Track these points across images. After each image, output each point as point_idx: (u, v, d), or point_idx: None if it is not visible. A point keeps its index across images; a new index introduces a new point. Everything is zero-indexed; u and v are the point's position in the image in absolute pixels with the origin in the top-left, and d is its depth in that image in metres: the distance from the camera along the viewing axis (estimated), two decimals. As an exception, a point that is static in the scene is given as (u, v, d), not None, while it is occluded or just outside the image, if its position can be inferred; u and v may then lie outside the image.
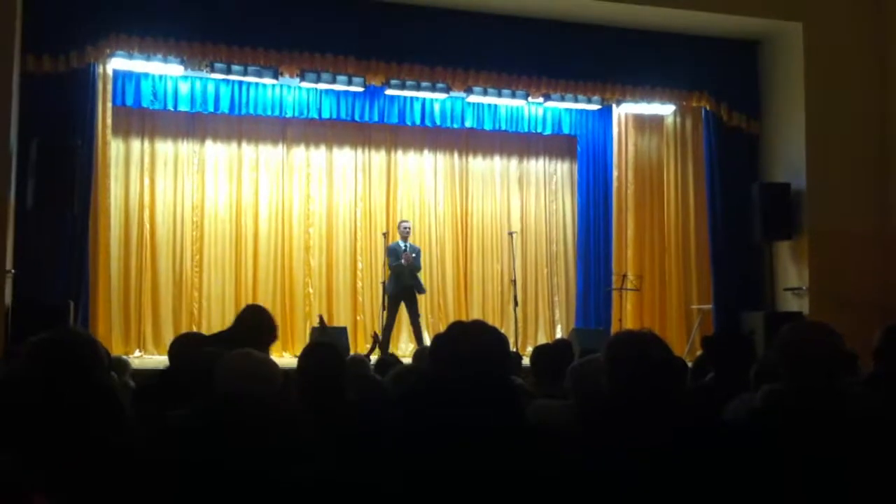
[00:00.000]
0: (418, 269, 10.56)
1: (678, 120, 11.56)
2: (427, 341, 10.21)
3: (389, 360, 5.74)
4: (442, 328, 8.42)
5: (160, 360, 9.47)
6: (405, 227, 10.63)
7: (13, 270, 8.28)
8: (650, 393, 2.69)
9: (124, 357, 7.84)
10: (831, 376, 3.01)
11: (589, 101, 11.12)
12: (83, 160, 8.81)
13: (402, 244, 10.51)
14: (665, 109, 11.42)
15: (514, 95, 10.78)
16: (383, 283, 10.41)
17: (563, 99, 10.97)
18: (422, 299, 10.95)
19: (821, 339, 3.04)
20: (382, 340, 10.25)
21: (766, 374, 3.64)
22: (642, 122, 11.75)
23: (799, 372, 3.01)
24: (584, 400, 3.35)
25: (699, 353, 5.87)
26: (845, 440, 2.71)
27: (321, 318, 8.06)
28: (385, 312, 10.34)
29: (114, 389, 3.13)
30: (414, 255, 10.49)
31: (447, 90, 10.52)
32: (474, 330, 2.91)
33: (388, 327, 10.40)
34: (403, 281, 10.34)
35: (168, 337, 9.85)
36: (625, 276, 11.12)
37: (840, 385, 3.03)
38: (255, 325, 4.67)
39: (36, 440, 2.46)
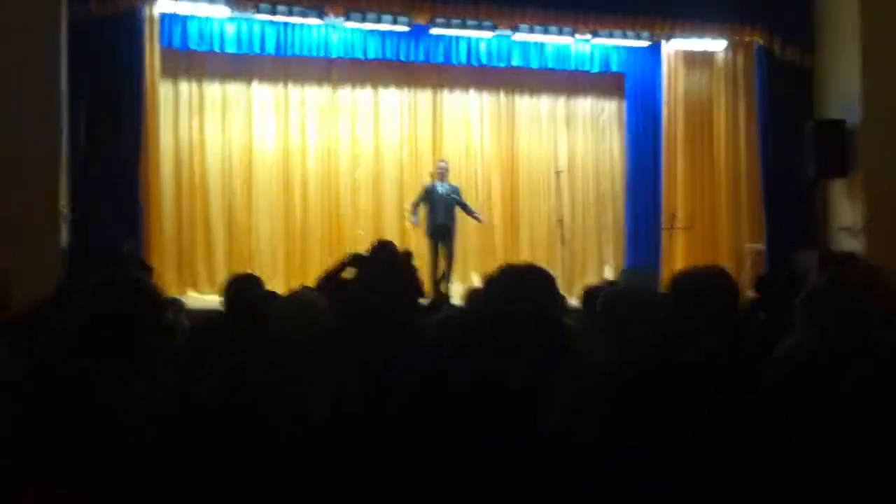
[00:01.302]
0: (457, 203, 10.51)
1: (729, 55, 11.36)
2: (459, 283, 10.51)
3: (440, 301, 5.77)
4: (490, 268, 8.44)
5: (214, 299, 9.61)
6: (441, 167, 10.62)
7: (70, 213, 8.43)
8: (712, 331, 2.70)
9: (179, 297, 7.98)
10: (882, 323, 2.91)
11: (638, 38, 10.93)
12: (133, 102, 8.90)
13: (437, 185, 10.51)
14: (716, 45, 11.19)
15: (560, 32, 10.63)
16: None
17: (611, 35, 10.81)
18: (469, 239, 11.01)
19: (870, 283, 2.95)
20: (431, 279, 10.32)
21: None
22: (692, 59, 11.52)
23: (845, 318, 2.92)
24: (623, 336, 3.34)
25: (749, 292, 5.81)
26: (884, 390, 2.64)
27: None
28: (427, 250, 10.44)
29: (169, 329, 3.20)
30: (453, 195, 10.47)
31: (493, 28, 10.40)
32: (527, 273, 2.92)
33: (433, 267, 10.46)
34: (437, 219, 10.38)
35: (220, 276, 9.98)
36: (674, 215, 11.01)
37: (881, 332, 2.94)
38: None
39: (94, 377, 2.53)
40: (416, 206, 10.50)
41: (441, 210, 10.39)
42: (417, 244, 11.25)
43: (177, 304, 6.35)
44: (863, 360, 2.69)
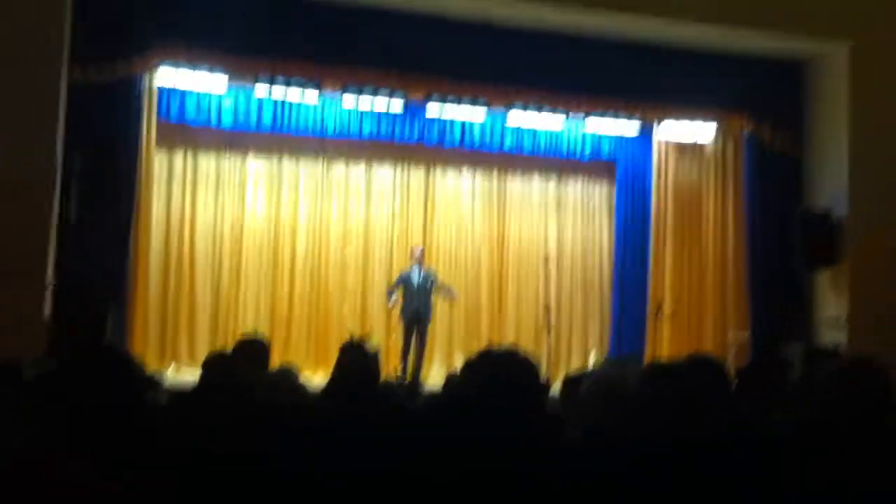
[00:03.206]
0: (448, 293, 10.62)
1: (719, 145, 11.49)
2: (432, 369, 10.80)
3: (415, 387, 5.73)
4: (475, 350, 8.41)
5: (195, 373, 9.50)
6: (416, 252, 10.69)
7: (53, 283, 8.37)
8: (682, 427, 2.68)
9: (154, 374, 7.88)
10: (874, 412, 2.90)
11: (629, 119, 11.01)
12: (126, 173, 8.93)
13: (413, 272, 10.55)
14: (706, 134, 11.29)
15: (553, 112, 10.71)
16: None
17: (602, 116, 10.92)
18: (455, 321, 11.04)
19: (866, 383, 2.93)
20: (401, 366, 10.30)
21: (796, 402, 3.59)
22: (683, 148, 11.66)
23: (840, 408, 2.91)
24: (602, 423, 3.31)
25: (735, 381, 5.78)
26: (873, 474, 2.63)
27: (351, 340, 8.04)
28: (402, 336, 10.55)
29: (143, 403, 3.14)
30: (430, 281, 10.54)
31: (487, 105, 10.48)
32: (505, 359, 2.89)
33: (405, 353, 10.46)
34: (413, 306, 10.41)
35: (204, 351, 9.91)
36: (661, 303, 11.00)
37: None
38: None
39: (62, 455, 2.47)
40: (391, 291, 10.56)
41: (416, 297, 10.42)
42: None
43: (153, 381, 6.23)
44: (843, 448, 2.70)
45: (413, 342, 10.49)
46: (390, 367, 10.56)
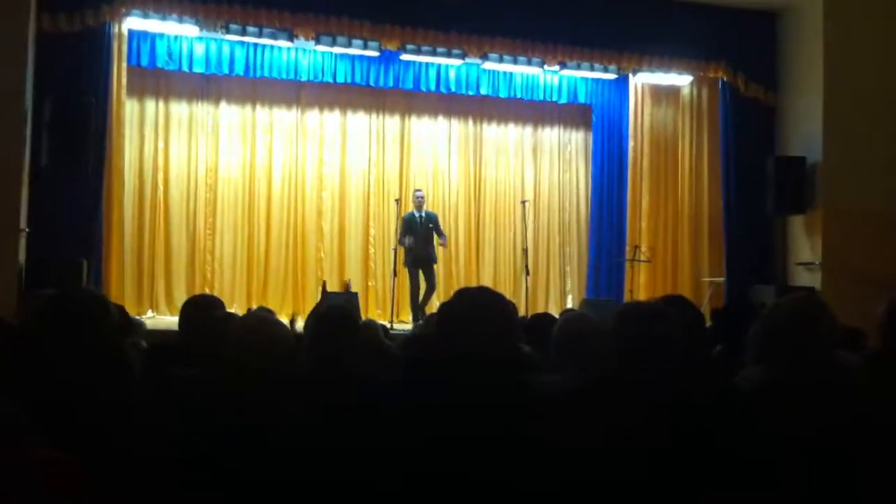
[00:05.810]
0: (441, 237, 10.57)
1: (694, 90, 11.53)
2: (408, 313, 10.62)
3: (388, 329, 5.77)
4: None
5: (172, 320, 9.51)
6: (419, 197, 10.66)
7: (27, 228, 8.33)
8: (656, 368, 2.71)
9: (139, 318, 7.89)
10: (825, 352, 2.95)
11: (605, 70, 11.02)
12: (97, 119, 8.84)
13: (416, 214, 10.53)
14: (682, 79, 11.34)
15: (529, 63, 10.71)
16: (395, 248, 10.40)
17: (578, 67, 10.90)
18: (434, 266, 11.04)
19: (812, 315, 2.97)
20: (411, 307, 10.36)
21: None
22: (658, 92, 11.67)
23: (791, 348, 2.95)
24: (573, 363, 3.34)
25: (709, 325, 5.84)
26: (842, 417, 2.69)
27: (324, 284, 8.04)
28: (408, 280, 10.53)
29: (121, 347, 3.15)
30: (431, 224, 10.52)
31: (462, 56, 10.45)
32: (480, 296, 2.89)
33: (414, 294, 10.50)
34: (416, 250, 10.37)
35: (181, 298, 9.91)
36: (637, 247, 11.09)
37: (834, 361, 2.98)
38: None
39: (39, 394, 2.48)
40: (402, 237, 10.36)
41: (420, 240, 10.37)
42: (384, 269, 11.26)
43: (141, 328, 6.24)
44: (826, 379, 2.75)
45: (421, 283, 10.50)
46: (370, 311, 10.63)
